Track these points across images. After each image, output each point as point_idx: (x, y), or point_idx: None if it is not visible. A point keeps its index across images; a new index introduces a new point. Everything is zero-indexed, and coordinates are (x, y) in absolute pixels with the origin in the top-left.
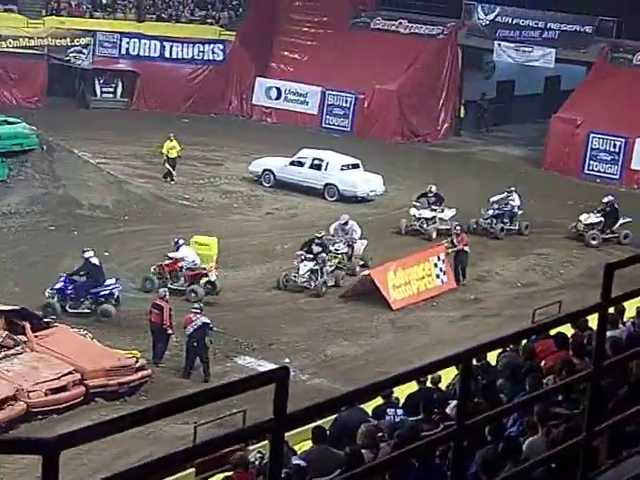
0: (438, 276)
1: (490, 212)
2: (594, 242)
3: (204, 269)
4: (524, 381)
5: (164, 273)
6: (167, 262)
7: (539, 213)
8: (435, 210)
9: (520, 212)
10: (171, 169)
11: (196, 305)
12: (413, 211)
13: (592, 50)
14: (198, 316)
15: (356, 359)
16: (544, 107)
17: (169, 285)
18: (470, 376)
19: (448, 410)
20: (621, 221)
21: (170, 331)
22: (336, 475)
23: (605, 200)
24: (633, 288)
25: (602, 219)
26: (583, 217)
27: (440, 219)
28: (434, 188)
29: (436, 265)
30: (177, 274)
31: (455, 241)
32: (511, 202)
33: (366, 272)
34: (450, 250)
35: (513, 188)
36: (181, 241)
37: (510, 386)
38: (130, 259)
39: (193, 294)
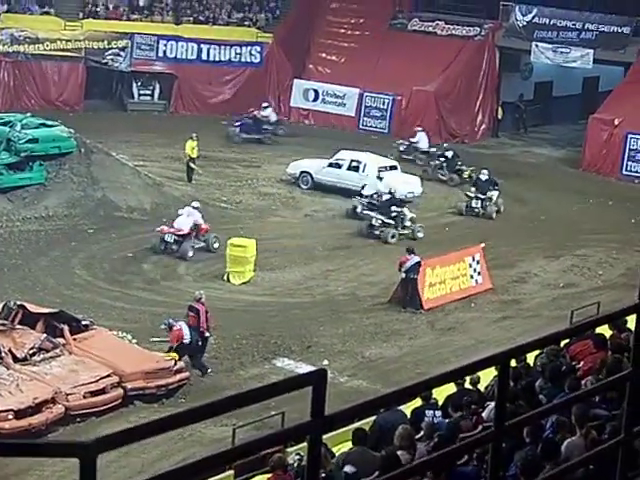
0: (472, 276)
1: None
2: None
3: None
4: (563, 382)
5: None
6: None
7: (578, 214)
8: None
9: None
10: (194, 168)
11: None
12: None
13: (630, 51)
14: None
15: (395, 361)
16: (582, 108)
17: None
18: (508, 377)
19: (486, 411)
20: None
21: (207, 334)
22: (375, 477)
23: None
24: None
25: None
26: None
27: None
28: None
29: (470, 265)
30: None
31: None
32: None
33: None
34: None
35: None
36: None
37: (550, 387)
38: (169, 262)
39: None
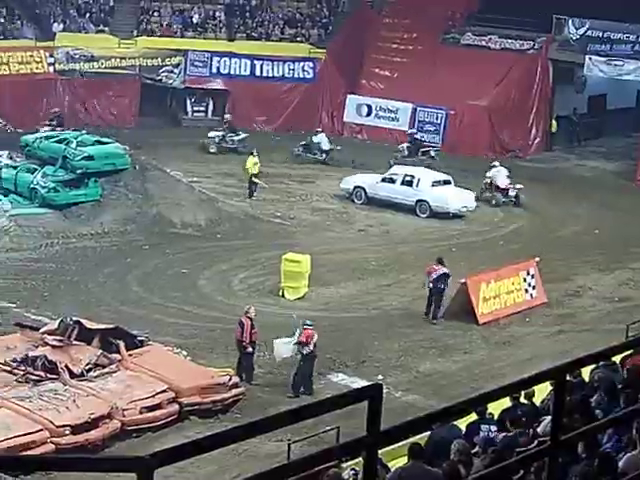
0: (527, 291)
1: None
2: None
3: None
4: (619, 397)
5: None
6: None
7: (633, 227)
8: None
9: None
10: (258, 183)
11: (308, 322)
12: None
13: None
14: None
15: (450, 375)
16: (636, 121)
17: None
18: (564, 392)
19: (542, 426)
20: None
21: (249, 349)
22: None
23: None
24: None
25: None
26: None
27: None
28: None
29: (525, 280)
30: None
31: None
32: None
33: (463, 280)
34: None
35: None
36: None
37: (607, 402)
38: (224, 278)
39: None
